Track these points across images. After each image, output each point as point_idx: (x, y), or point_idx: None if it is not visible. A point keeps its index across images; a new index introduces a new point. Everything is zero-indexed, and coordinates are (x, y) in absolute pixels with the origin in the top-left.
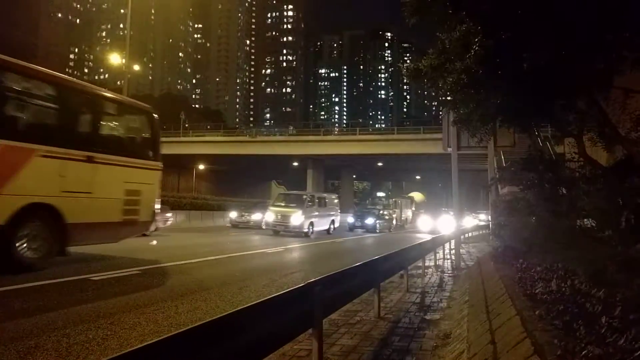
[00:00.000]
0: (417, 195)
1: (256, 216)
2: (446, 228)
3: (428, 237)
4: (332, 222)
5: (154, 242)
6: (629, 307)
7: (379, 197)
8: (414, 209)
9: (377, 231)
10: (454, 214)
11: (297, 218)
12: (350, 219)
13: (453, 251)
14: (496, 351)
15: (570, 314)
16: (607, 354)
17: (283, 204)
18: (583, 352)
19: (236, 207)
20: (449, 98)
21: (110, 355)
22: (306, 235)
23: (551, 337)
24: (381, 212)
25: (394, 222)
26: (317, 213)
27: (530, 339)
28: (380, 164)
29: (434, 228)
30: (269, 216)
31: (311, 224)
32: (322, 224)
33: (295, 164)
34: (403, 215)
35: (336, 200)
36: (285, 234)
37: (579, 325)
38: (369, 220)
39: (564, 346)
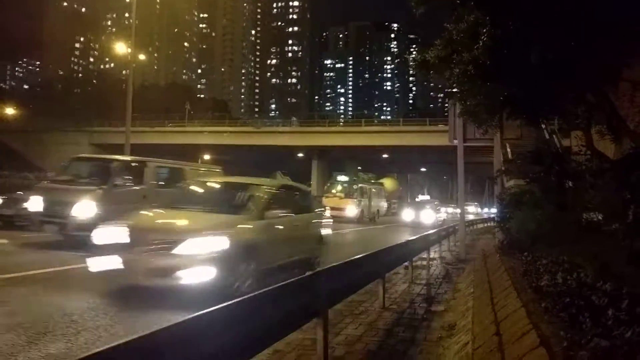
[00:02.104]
0: (388, 182)
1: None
2: None
3: None
4: None
5: None
6: (636, 300)
7: (340, 181)
8: (396, 199)
9: None
10: (457, 205)
11: (84, 208)
12: None
13: (458, 243)
14: (501, 342)
15: (576, 306)
16: (614, 346)
17: (68, 179)
18: (590, 344)
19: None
20: (455, 89)
21: (121, 340)
22: None
23: (557, 329)
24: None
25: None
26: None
27: (536, 330)
28: (385, 155)
29: None
30: (36, 202)
31: None
32: None
33: (300, 155)
34: (373, 207)
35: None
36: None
37: (585, 318)
38: None
39: (570, 338)
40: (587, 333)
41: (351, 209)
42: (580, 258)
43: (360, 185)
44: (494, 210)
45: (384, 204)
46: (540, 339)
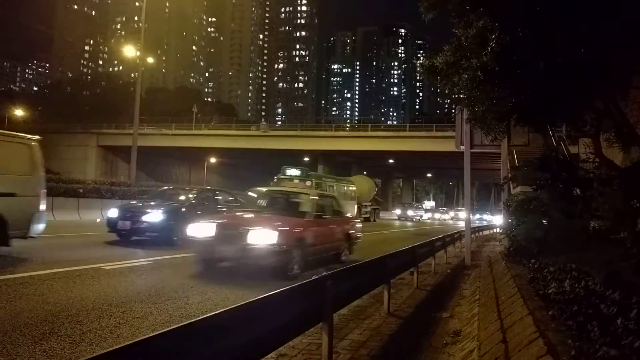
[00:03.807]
0: (360, 181)
1: None
2: None
3: None
4: None
5: None
6: None
7: (289, 176)
8: (370, 202)
9: (173, 239)
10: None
11: None
12: (113, 213)
13: (464, 249)
14: (507, 350)
15: (584, 315)
16: (623, 356)
17: None
18: (598, 354)
19: None
20: (462, 95)
21: (124, 343)
22: None
23: (564, 337)
24: (195, 196)
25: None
26: None
27: (543, 338)
28: (391, 160)
29: None
30: None
31: None
32: None
33: (306, 159)
34: None
35: None
36: None
37: (593, 327)
38: (153, 217)
39: (578, 347)
40: (595, 342)
41: None
42: (588, 266)
43: (315, 181)
44: (487, 216)
45: (352, 208)
46: (547, 347)
